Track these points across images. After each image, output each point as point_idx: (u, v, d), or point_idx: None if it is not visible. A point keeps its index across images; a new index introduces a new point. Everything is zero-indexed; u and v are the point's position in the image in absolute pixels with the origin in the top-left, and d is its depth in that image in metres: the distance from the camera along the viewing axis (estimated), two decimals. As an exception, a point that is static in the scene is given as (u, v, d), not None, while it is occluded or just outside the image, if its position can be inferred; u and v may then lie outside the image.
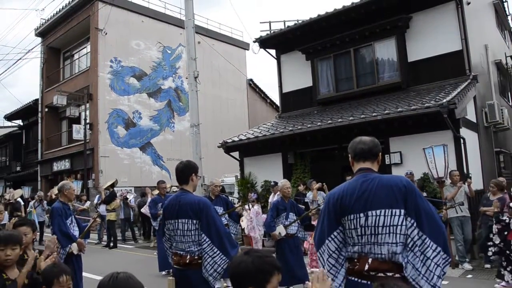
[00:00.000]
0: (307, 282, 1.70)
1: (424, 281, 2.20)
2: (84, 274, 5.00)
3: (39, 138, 20.91)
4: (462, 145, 8.22)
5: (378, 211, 2.25)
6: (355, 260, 2.32)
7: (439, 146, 7.20)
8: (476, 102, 9.99)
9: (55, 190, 11.93)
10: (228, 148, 11.67)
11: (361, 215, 2.28)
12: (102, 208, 12.04)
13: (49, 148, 20.36)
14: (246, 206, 8.47)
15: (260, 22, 42.61)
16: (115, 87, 17.96)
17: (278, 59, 13.24)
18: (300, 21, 12.08)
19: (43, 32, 20.85)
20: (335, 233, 2.39)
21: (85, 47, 19.80)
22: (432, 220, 2.26)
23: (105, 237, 12.42)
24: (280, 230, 5.88)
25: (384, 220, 2.24)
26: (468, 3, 10.05)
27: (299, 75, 12.51)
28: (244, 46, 23.29)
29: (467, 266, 7.15)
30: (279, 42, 12.85)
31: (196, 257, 3.28)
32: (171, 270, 5.80)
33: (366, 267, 2.26)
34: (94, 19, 17.68)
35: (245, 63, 23.63)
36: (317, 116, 10.94)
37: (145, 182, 16.49)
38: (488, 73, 12.07)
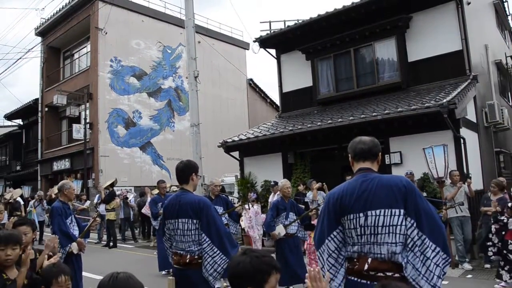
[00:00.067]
0: (307, 281, 1.68)
1: (424, 281, 2.20)
2: (84, 273, 5.01)
3: (39, 137, 20.92)
4: (462, 145, 8.22)
5: (377, 211, 2.26)
6: (355, 260, 2.33)
7: (439, 146, 7.20)
8: (476, 102, 9.99)
9: (55, 190, 11.92)
10: (228, 147, 11.67)
11: (361, 215, 2.29)
12: (102, 208, 12.05)
13: (49, 148, 20.36)
14: (246, 206, 8.47)
15: (260, 22, 42.61)
16: (115, 87, 17.96)
17: (278, 59, 13.24)
18: (300, 21, 12.07)
19: (43, 32, 20.86)
20: (334, 233, 2.39)
21: (85, 47, 19.81)
22: (432, 220, 2.26)
23: (104, 237, 12.43)
24: (279, 229, 5.88)
25: (383, 220, 2.24)
26: (468, 3, 10.05)
27: (299, 75, 12.51)
28: (244, 45, 23.30)
29: (467, 266, 7.16)
30: (279, 42, 12.85)
31: (196, 257, 3.28)
32: (171, 270, 5.79)
33: (366, 266, 2.26)
34: (94, 19, 17.69)
35: (245, 63, 23.65)
36: (317, 116, 10.94)
37: (145, 182, 16.50)
38: (488, 73, 12.07)
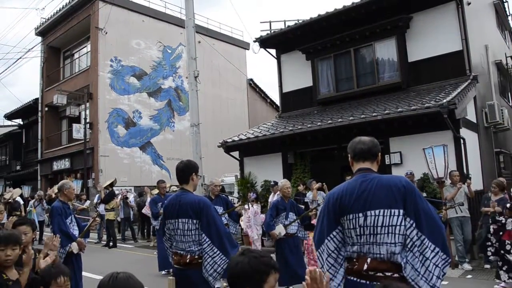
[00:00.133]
0: (307, 278, 1.66)
1: (423, 281, 2.20)
2: (84, 273, 5.00)
3: (39, 137, 20.92)
4: (462, 145, 8.23)
5: (377, 211, 2.26)
6: (354, 260, 2.33)
7: (439, 146, 7.20)
8: (476, 103, 10.00)
9: (54, 189, 11.91)
10: (228, 147, 11.67)
11: (360, 215, 2.29)
12: (101, 208, 12.05)
13: (49, 148, 20.36)
14: (246, 206, 8.48)
15: (260, 22, 42.62)
16: (115, 87, 17.96)
17: (278, 59, 13.24)
18: (300, 21, 12.08)
19: (43, 31, 20.85)
20: (334, 233, 2.39)
21: (85, 47, 19.80)
22: (431, 221, 2.26)
23: (104, 237, 12.43)
24: (279, 229, 5.88)
25: (383, 220, 2.24)
26: (469, 3, 10.05)
27: (299, 75, 12.51)
28: (244, 45, 23.30)
29: (467, 266, 7.16)
30: (279, 41, 12.85)
31: (196, 257, 3.28)
32: (171, 270, 5.78)
33: (365, 266, 2.26)
34: (95, 19, 17.68)
35: (245, 63, 23.64)
36: (317, 116, 10.94)
37: (145, 182, 16.50)
38: (488, 73, 12.07)
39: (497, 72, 13.60)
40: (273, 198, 9.20)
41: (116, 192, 12.90)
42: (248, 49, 22.76)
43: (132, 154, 18.19)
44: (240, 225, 9.02)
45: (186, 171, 3.44)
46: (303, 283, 1.55)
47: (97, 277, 6.17)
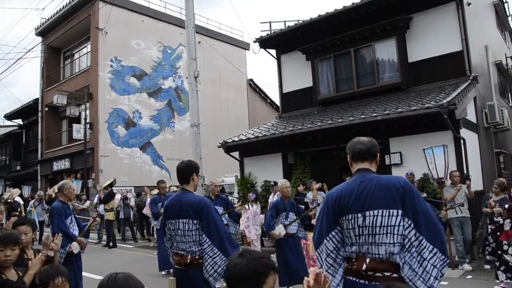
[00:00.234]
0: (308, 279, 1.65)
1: (420, 281, 2.20)
2: (84, 273, 5.00)
3: (39, 137, 20.92)
4: (462, 145, 8.22)
5: (375, 211, 2.26)
6: (353, 260, 2.34)
7: (439, 146, 7.19)
8: (476, 103, 9.99)
9: (54, 189, 11.91)
10: (228, 148, 11.67)
11: (359, 215, 2.29)
12: (101, 208, 12.05)
13: (49, 148, 20.36)
14: (246, 206, 8.47)
15: (260, 22, 42.70)
16: (115, 87, 17.96)
17: (278, 59, 13.24)
18: (300, 21, 12.08)
19: (44, 32, 20.85)
20: (333, 233, 2.40)
21: (85, 47, 19.80)
22: (429, 221, 2.26)
23: (104, 237, 12.43)
24: (279, 229, 5.87)
25: (381, 221, 2.25)
26: (469, 4, 10.05)
27: (299, 75, 12.51)
28: (245, 46, 23.30)
29: (467, 266, 7.15)
30: (279, 42, 12.85)
31: (197, 257, 3.28)
32: (171, 270, 5.77)
33: (364, 266, 2.27)
34: (95, 19, 17.68)
35: (245, 63, 23.64)
36: (317, 116, 10.93)
37: (145, 182, 16.49)
38: (488, 73, 12.06)
39: (497, 73, 13.59)
40: (273, 198, 9.19)
41: (115, 191, 12.88)
42: (248, 50, 22.77)
43: (132, 154, 18.19)
44: (240, 225, 9.02)
45: (187, 171, 3.44)
46: (304, 282, 1.54)
47: (97, 277, 6.17)
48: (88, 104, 17.30)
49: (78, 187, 13.73)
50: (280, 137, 10.35)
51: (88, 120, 16.96)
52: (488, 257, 6.18)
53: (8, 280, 2.64)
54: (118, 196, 12.85)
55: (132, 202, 13.12)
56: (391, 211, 2.24)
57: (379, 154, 2.55)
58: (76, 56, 20.80)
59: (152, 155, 18.90)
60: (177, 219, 3.34)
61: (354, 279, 2.30)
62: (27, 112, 22.86)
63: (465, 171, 8.13)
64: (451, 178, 7.43)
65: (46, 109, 20.69)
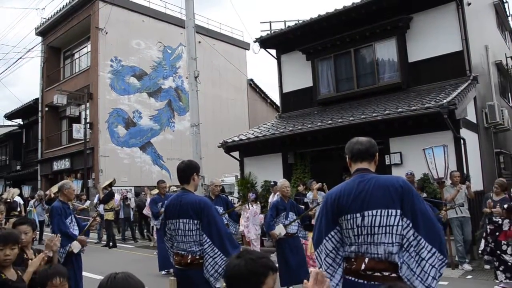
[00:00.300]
0: (305, 281, 1.64)
1: (418, 281, 2.20)
2: (84, 273, 5.00)
3: (39, 137, 20.92)
4: (462, 145, 8.22)
5: (374, 211, 2.26)
6: (352, 260, 2.34)
7: (439, 146, 7.19)
8: (476, 103, 9.99)
9: (53, 189, 11.92)
10: (228, 148, 11.67)
11: (358, 215, 2.29)
12: (101, 208, 12.05)
13: (49, 148, 20.36)
14: (246, 206, 8.47)
15: (261, 22, 42.66)
16: (115, 87, 17.96)
17: (278, 59, 13.23)
18: (300, 21, 12.07)
19: (44, 31, 20.86)
20: (332, 233, 2.40)
21: (85, 47, 19.80)
22: (428, 221, 2.26)
23: (104, 237, 12.44)
24: (279, 229, 5.87)
25: (380, 220, 2.25)
26: (469, 4, 10.05)
27: (300, 75, 12.50)
28: (245, 46, 23.29)
29: (467, 266, 7.15)
30: (280, 42, 12.85)
31: (197, 257, 3.28)
32: (171, 270, 5.76)
33: (363, 266, 2.27)
34: (95, 19, 17.69)
35: (246, 63, 23.64)
36: (317, 116, 10.93)
37: (145, 182, 16.50)
38: (488, 73, 12.06)
39: (497, 73, 13.59)
40: (273, 198, 9.19)
41: (114, 191, 12.87)
42: (248, 49, 22.76)
43: (132, 154, 18.19)
44: (240, 225, 9.02)
45: (187, 171, 3.44)
46: (304, 282, 1.54)
47: (97, 277, 6.17)
48: (88, 104, 17.30)
49: (78, 187, 13.74)
50: (280, 137, 10.34)
51: (88, 120, 16.96)
52: (486, 257, 6.18)
53: (7, 280, 2.64)
54: (118, 196, 12.86)
55: (132, 203, 13.10)
56: (390, 211, 2.24)
57: (378, 154, 2.55)
58: (76, 56, 20.80)
59: (152, 155, 18.90)
60: (178, 219, 3.34)
61: (353, 278, 2.31)
62: (27, 112, 22.87)
63: (465, 171, 8.12)
64: (451, 178, 7.43)
65: (46, 109, 20.69)
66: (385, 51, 10.82)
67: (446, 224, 6.36)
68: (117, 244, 11.81)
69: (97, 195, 13.04)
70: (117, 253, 10.91)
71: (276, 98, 21.06)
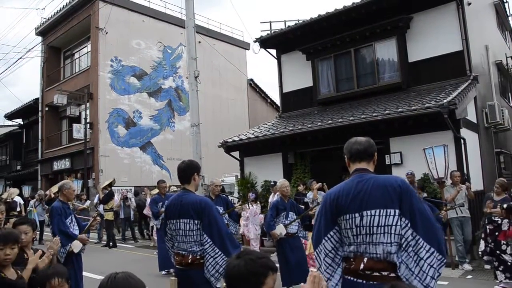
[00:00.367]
0: (302, 284, 1.65)
1: (417, 281, 2.20)
2: (84, 273, 5.00)
3: (39, 137, 20.92)
4: (463, 145, 8.22)
5: (373, 211, 2.26)
6: (351, 260, 2.34)
7: (439, 146, 7.19)
8: (476, 103, 9.99)
9: (53, 189, 11.92)
10: (228, 148, 11.67)
11: (356, 215, 2.30)
12: (101, 208, 12.05)
13: (49, 147, 20.36)
14: (246, 206, 8.47)
15: (261, 22, 42.63)
16: (115, 87, 17.95)
17: (278, 59, 13.24)
18: (300, 21, 12.07)
19: (44, 31, 20.86)
20: (331, 233, 2.41)
21: (85, 46, 19.80)
22: (426, 221, 2.26)
23: (104, 237, 12.43)
24: (280, 229, 5.87)
25: (378, 220, 2.25)
26: (469, 4, 10.05)
27: (300, 75, 12.51)
28: (245, 46, 23.29)
29: (467, 266, 7.15)
30: (280, 42, 12.85)
31: (198, 257, 3.27)
32: (171, 270, 5.76)
33: (362, 266, 2.28)
34: (95, 19, 17.68)
35: (246, 63, 23.63)
36: (317, 116, 10.93)
37: (145, 182, 16.50)
38: (488, 73, 12.06)
39: (498, 73, 13.59)
40: (273, 198, 9.19)
41: (114, 191, 12.87)
42: (248, 49, 22.75)
43: (132, 154, 18.18)
44: (240, 225, 9.02)
45: (188, 171, 3.43)
46: (301, 286, 1.55)
47: (97, 277, 6.17)
48: (88, 104, 17.30)
49: (78, 187, 13.74)
50: (280, 137, 10.34)
51: (88, 120, 16.96)
52: (485, 258, 6.17)
53: (7, 279, 2.64)
54: (117, 196, 12.85)
55: (133, 203, 13.09)
56: (388, 210, 2.24)
57: (378, 154, 2.55)
58: (76, 56, 20.80)
59: (152, 155, 18.89)
60: (178, 219, 3.33)
61: (352, 278, 2.31)
62: (27, 112, 22.86)
63: (465, 171, 8.12)
64: (451, 178, 7.43)
65: (46, 109, 20.69)
66: (385, 51, 10.82)
67: (446, 224, 6.37)
68: (117, 244, 11.81)
69: (97, 195, 13.04)
70: (117, 253, 10.91)
71: (276, 98, 21.10)
